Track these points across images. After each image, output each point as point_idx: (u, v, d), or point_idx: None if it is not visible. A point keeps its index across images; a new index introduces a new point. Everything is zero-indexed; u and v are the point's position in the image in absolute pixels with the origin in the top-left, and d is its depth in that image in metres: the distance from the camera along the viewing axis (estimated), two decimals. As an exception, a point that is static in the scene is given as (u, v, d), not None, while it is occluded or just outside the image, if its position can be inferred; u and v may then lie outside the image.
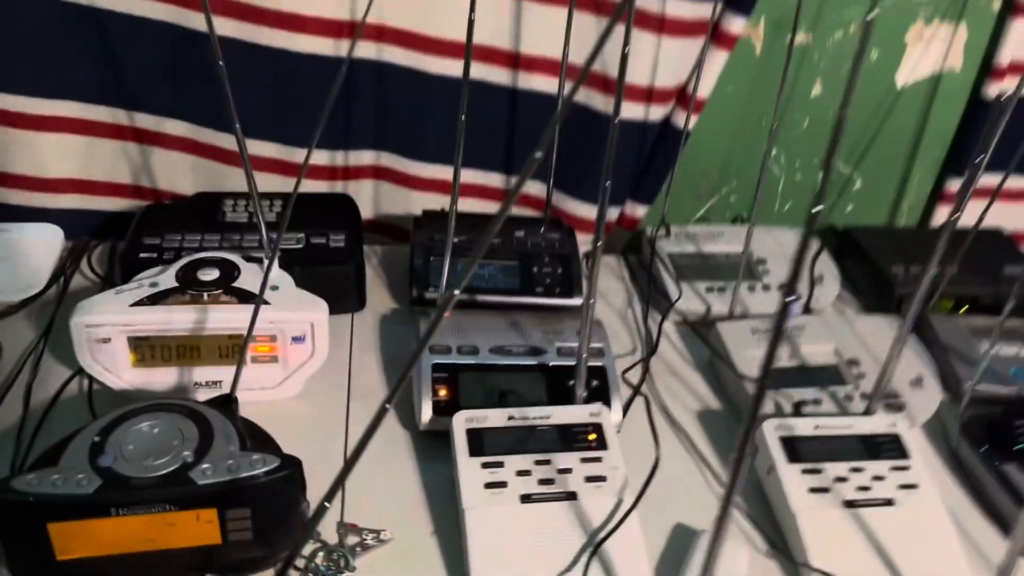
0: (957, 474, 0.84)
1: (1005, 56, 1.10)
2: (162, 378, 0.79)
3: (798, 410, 0.85)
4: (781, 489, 0.74)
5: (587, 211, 1.12)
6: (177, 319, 0.76)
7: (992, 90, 1.13)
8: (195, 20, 0.95)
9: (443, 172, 1.10)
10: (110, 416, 0.64)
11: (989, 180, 1.17)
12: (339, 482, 0.44)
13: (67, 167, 1.03)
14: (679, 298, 0.99)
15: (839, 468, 0.76)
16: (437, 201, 1.12)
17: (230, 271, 0.81)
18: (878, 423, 0.80)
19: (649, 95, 1.05)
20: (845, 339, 0.93)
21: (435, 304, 0.93)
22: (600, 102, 1.06)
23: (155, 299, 0.77)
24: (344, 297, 0.94)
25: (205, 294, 0.78)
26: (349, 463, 0.44)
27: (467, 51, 0.79)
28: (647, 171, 1.12)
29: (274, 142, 1.04)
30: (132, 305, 0.76)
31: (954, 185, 1.20)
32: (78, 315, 0.75)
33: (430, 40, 1.00)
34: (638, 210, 1.16)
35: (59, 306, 0.89)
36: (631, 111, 1.05)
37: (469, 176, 1.11)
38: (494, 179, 1.13)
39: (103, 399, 0.79)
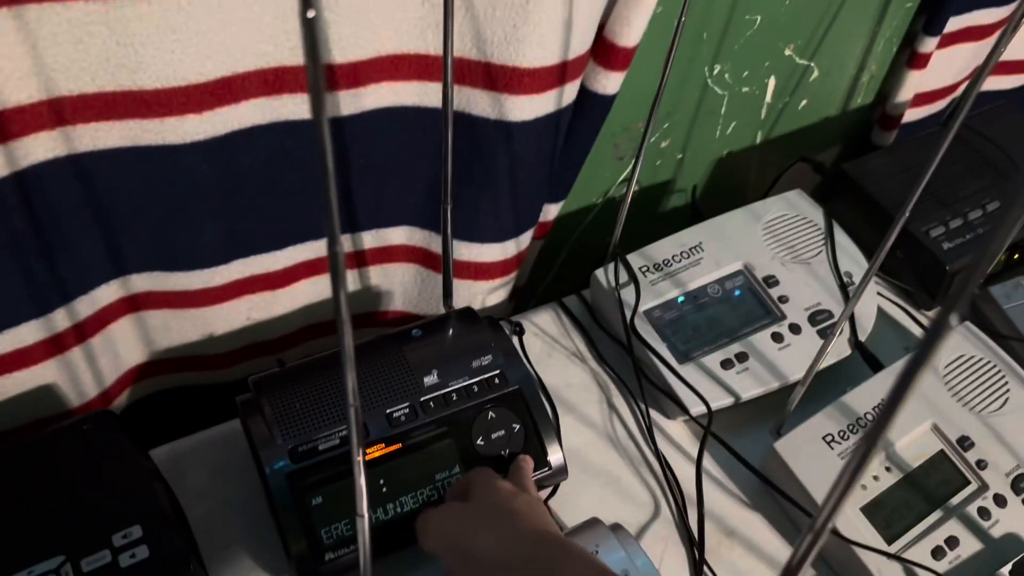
0: None
1: None
2: None
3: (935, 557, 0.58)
4: None
5: (489, 252, 0.72)
6: None
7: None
8: None
9: (239, 269, 0.64)
10: None
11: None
12: None
13: None
14: (710, 421, 0.64)
15: None
16: (249, 307, 0.67)
17: None
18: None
19: (562, 72, 0.62)
20: (938, 402, 0.64)
21: (344, 571, 0.54)
22: (484, 105, 0.62)
23: None
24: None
25: None
26: None
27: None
28: (560, 163, 0.72)
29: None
30: None
31: (928, 45, 0.88)
32: None
33: (158, 94, 0.51)
34: (551, 212, 0.77)
35: None
36: (537, 105, 0.62)
37: (292, 255, 0.67)
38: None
39: None
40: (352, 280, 0.72)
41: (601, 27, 0.64)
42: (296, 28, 0.52)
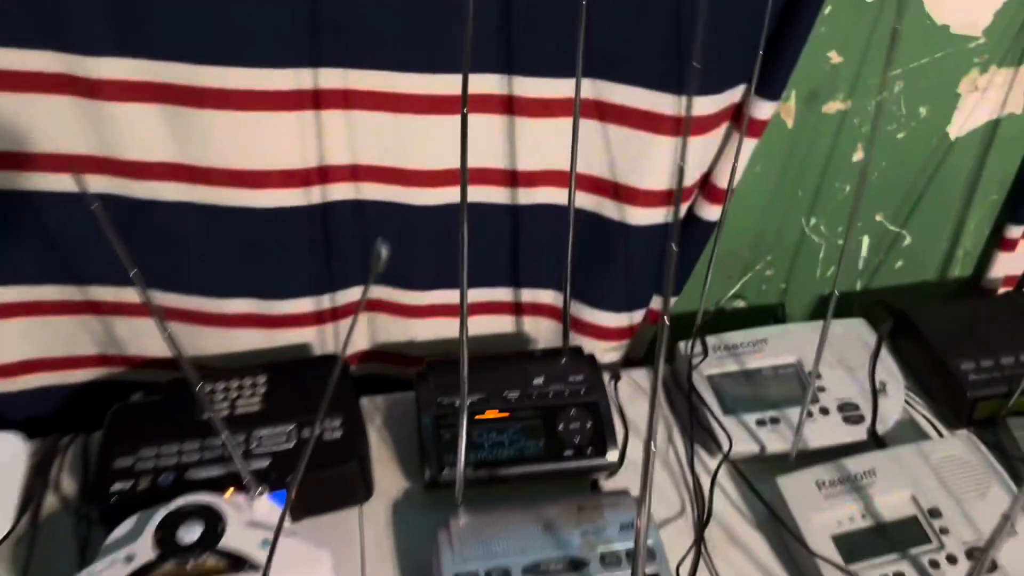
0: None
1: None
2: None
3: (880, 588, 0.75)
4: None
5: (607, 319, 1.00)
6: (161, 602, 0.66)
7: (1059, 131, 0.98)
8: (135, 188, 0.82)
9: (439, 297, 0.97)
10: None
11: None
12: None
13: (21, 350, 0.92)
14: (728, 451, 0.87)
15: None
16: (438, 327, 1.00)
17: (214, 524, 0.70)
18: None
19: (669, 197, 0.91)
20: (922, 480, 0.82)
21: (453, 485, 0.83)
22: (612, 210, 0.92)
23: (135, 579, 0.67)
24: (348, 494, 0.83)
25: (190, 560, 0.68)
26: None
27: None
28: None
29: (249, 297, 0.92)
30: (110, 591, 0.66)
31: (1015, 231, 1.07)
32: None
33: (411, 173, 0.87)
34: (659, 303, 1.04)
35: (32, 553, 0.79)
36: (649, 216, 0.91)
37: (474, 295, 0.99)
38: (500, 293, 1.00)
39: None
40: (508, 324, 1.03)
41: (708, 172, 0.92)
42: (492, 145, 0.86)
